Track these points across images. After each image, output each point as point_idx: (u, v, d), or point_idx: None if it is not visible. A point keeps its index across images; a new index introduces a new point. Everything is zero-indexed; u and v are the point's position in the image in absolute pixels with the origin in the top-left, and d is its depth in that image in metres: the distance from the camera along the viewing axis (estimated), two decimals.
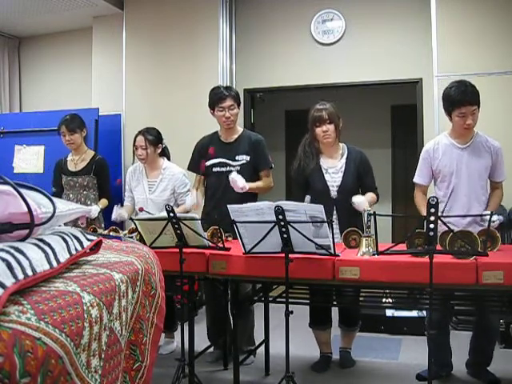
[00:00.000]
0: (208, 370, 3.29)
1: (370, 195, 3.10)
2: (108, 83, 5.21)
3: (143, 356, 1.19)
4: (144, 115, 4.81)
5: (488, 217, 2.69)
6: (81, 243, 1.06)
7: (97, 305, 0.89)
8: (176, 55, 4.99)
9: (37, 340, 0.71)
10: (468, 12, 4.20)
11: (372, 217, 2.32)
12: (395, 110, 6.60)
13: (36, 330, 0.72)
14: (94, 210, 3.81)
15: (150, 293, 1.22)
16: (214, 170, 3.39)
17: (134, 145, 3.66)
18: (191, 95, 4.82)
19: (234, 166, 3.33)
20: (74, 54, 5.67)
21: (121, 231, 3.23)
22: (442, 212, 2.89)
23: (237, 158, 3.35)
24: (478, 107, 2.84)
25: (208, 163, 3.41)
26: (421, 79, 4.56)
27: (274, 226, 2.37)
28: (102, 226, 3.85)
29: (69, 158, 4.09)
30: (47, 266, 0.87)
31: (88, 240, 1.11)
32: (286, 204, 2.36)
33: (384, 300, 3.08)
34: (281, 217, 2.34)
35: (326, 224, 2.34)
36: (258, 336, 3.42)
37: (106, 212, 4.05)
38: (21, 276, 0.77)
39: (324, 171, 3.16)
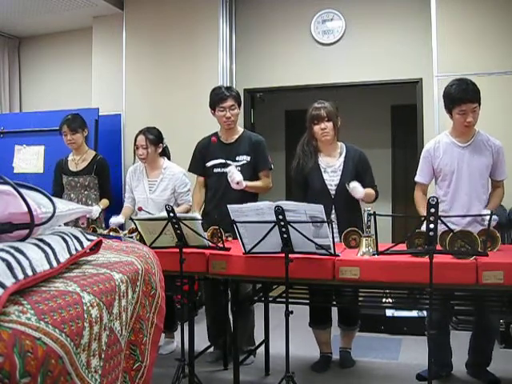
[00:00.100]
0: (208, 370, 3.29)
1: (369, 189, 3.10)
2: (108, 83, 5.21)
3: (143, 356, 1.19)
4: (144, 115, 4.81)
5: (487, 217, 2.70)
6: (81, 243, 1.06)
7: (97, 305, 0.89)
8: (176, 55, 4.99)
9: (37, 340, 0.71)
10: (468, 12, 4.20)
11: (372, 217, 2.32)
12: (395, 110, 6.60)
13: (36, 329, 0.72)
14: (95, 210, 3.81)
15: (150, 293, 1.22)
16: (215, 170, 3.39)
17: (134, 144, 3.66)
18: (191, 95, 4.82)
19: (234, 167, 3.33)
20: (74, 54, 5.68)
21: (121, 231, 3.23)
22: (443, 211, 2.90)
23: (237, 158, 3.35)
24: (479, 105, 2.84)
25: (209, 164, 3.41)
26: (421, 79, 4.56)
27: (274, 226, 2.37)
28: (103, 225, 3.85)
29: (69, 158, 4.09)
30: (47, 266, 0.87)
31: (88, 240, 1.11)
32: (286, 204, 2.36)
33: (384, 300, 3.08)
34: (281, 217, 2.34)
35: (326, 224, 2.34)
36: (258, 336, 3.42)
37: (107, 212, 4.05)
38: (21, 276, 0.77)
39: (322, 170, 3.16)
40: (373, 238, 2.51)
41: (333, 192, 3.11)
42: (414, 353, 3.48)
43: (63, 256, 0.95)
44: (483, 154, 2.93)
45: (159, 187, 3.65)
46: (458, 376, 3.06)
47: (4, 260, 0.76)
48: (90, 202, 3.96)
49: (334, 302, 3.11)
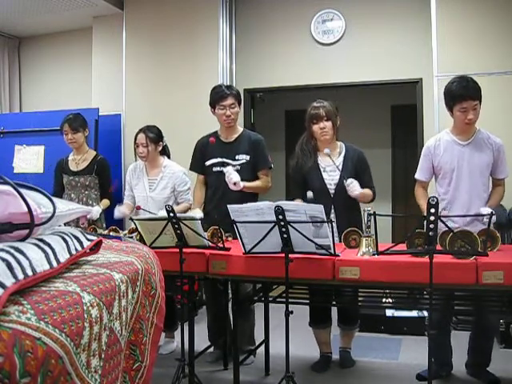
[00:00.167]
0: (208, 370, 3.29)
1: (366, 189, 3.10)
2: (108, 83, 5.21)
3: (143, 356, 1.19)
4: (144, 115, 4.80)
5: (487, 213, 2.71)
6: (81, 243, 1.06)
7: (97, 305, 0.89)
8: (176, 55, 4.99)
9: (37, 340, 0.71)
10: (468, 12, 4.20)
11: (372, 217, 2.32)
12: (395, 110, 6.60)
13: (36, 330, 0.72)
14: (96, 211, 3.81)
15: (150, 293, 1.22)
16: (214, 169, 3.39)
17: (134, 143, 3.66)
18: (191, 95, 4.82)
19: (233, 166, 3.33)
20: (74, 54, 5.68)
21: (121, 231, 3.23)
22: (443, 209, 2.89)
23: (237, 157, 3.35)
24: (480, 103, 2.84)
25: (208, 163, 3.42)
26: (421, 79, 4.56)
27: (274, 226, 2.37)
28: (103, 226, 3.85)
29: (70, 158, 4.09)
30: (47, 266, 0.87)
31: (88, 240, 1.11)
32: (286, 204, 2.36)
33: (384, 300, 3.08)
34: (281, 217, 2.34)
35: (326, 224, 2.34)
36: (258, 336, 3.42)
37: (108, 212, 4.05)
38: (21, 276, 0.77)
39: (322, 169, 3.16)
40: (373, 238, 2.51)
41: (332, 191, 3.11)
42: (413, 353, 3.48)
43: (63, 256, 0.95)
44: (484, 152, 2.92)
45: (159, 185, 3.66)
46: (458, 376, 3.06)
47: (4, 260, 0.76)
48: (90, 202, 3.96)
49: (334, 302, 3.11)
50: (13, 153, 4.98)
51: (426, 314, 3.77)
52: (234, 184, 3.17)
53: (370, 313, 3.92)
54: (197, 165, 3.51)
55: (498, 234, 2.59)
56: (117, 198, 4.03)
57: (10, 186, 0.89)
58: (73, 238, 1.04)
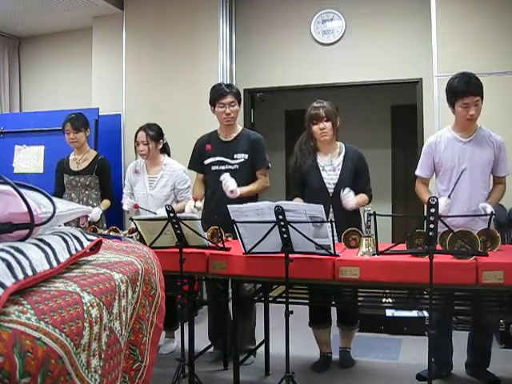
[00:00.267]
0: (208, 370, 3.29)
1: (362, 197, 3.08)
2: (108, 83, 5.21)
3: (143, 356, 1.19)
4: (144, 115, 4.79)
5: (487, 210, 2.71)
6: (81, 243, 1.06)
7: (97, 305, 0.89)
8: (176, 55, 4.99)
9: (37, 340, 0.71)
10: (468, 12, 4.20)
11: (372, 217, 2.32)
12: (395, 110, 6.60)
13: (36, 330, 0.72)
14: (96, 212, 3.80)
15: (150, 293, 1.22)
16: (213, 168, 3.39)
17: (135, 141, 3.67)
18: (191, 95, 4.82)
19: (232, 165, 3.34)
20: (74, 54, 5.68)
21: (121, 231, 3.23)
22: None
23: (235, 156, 3.35)
24: (482, 99, 2.84)
25: (206, 162, 3.42)
26: (421, 79, 4.56)
27: (274, 226, 2.37)
28: (104, 226, 3.85)
29: (71, 158, 4.09)
30: (47, 266, 0.87)
31: (88, 240, 1.11)
32: (286, 204, 2.36)
33: (384, 300, 3.08)
34: (281, 217, 2.34)
35: (326, 224, 2.34)
36: (258, 336, 3.42)
37: (108, 213, 4.05)
38: (21, 276, 0.77)
39: (321, 168, 3.15)
40: (373, 238, 2.51)
41: (331, 191, 3.11)
42: (414, 353, 3.48)
43: (63, 256, 0.95)
44: (485, 149, 2.92)
45: (159, 183, 3.66)
46: (458, 376, 3.06)
47: (4, 260, 0.76)
48: (90, 202, 3.96)
49: (334, 302, 3.11)
50: (13, 153, 4.98)
51: (426, 314, 3.77)
52: (231, 191, 3.17)
53: (369, 313, 3.92)
54: (196, 163, 3.51)
55: (498, 234, 2.59)
56: (117, 199, 4.02)
57: (10, 186, 0.89)
58: (73, 238, 1.04)
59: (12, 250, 0.80)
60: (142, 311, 1.18)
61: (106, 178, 4.06)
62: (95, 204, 3.95)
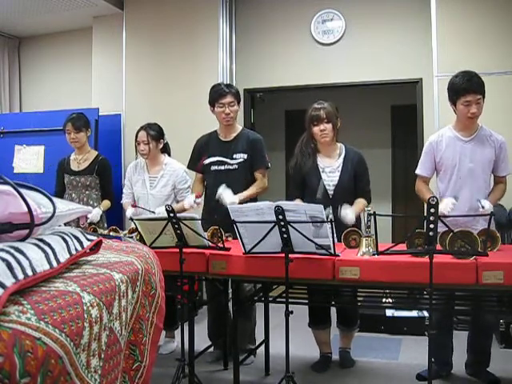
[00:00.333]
0: (208, 370, 3.29)
1: (360, 204, 3.06)
2: (108, 83, 5.21)
3: (143, 356, 1.19)
4: (144, 115, 4.79)
5: (484, 204, 2.71)
6: (81, 243, 1.06)
7: (97, 305, 0.89)
8: (176, 55, 4.99)
9: (37, 340, 0.71)
10: (468, 12, 4.20)
11: (372, 217, 2.32)
12: (395, 110, 6.60)
13: (36, 330, 0.72)
14: (96, 213, 3.79)
15: (150, 293, 1.22)
16: (212, 168, 3.40)
17: (135, 140, 3.67)
18: (191, 95, 4.82)
19: (231, 165, 3.34)
20: (74, 54, 5.67)
21: (121, 231, 3.23)
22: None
23: (234, 156, 3.35)
24: (483, 98, 2.84)
25: (206, 162, 3.42)
26: (421, 79, 4.56)
27: (274, 226, 2.37)
28: (104, 226, 3.85)
29: (72, 158, 4.08)
30: (47, 266, 0.87)
31: (88, 240, 1.11)
32: (286, 204, 2.36)
33: (384, 300, 3.08)
34: (281, 217, 2.34)
35: (326, 224, 2.34)
36: (258, 336, 3.42)
37: (109, 213, 4.05)
38: (21, 276, 0.77)
39: (321, 170, 3.15)
40: (373, 238, 2.51)
41: (331, 192, 3.11)
42: (414, 353, 3.48)
43: (63, 256, 0.95)
44: (486, 148, 2.91)
45: (159, 183, 3.66)
46: (458, 375, 3.06)
47: (4, 260, 0.76)
48: (91, 202, 3.96)
49: (334, 302, 3.11)
50: (13, 153, 4.98)
51: (426, 314, 3.77)
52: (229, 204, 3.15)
53: (369, 313, 3.92)
54: (194, 163, 3.51)
55: (498, 234, 2.59)
56: (117, 199, 4.02)
57: (10, 186, 0.89)
58: (73, 238, 1.04)
59: (12, 250, 0.80)
60: (142, 311, 1.18)
61: (107, 179, 4.05)
62: (95, 204, 3.94)
